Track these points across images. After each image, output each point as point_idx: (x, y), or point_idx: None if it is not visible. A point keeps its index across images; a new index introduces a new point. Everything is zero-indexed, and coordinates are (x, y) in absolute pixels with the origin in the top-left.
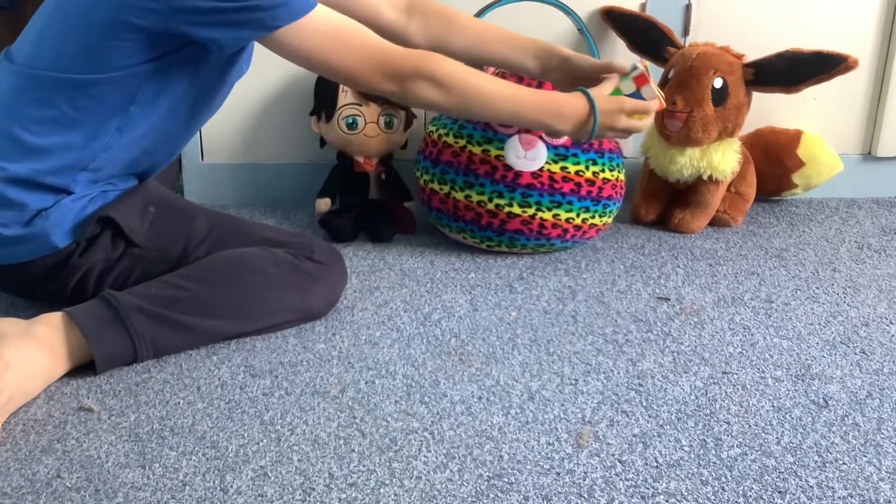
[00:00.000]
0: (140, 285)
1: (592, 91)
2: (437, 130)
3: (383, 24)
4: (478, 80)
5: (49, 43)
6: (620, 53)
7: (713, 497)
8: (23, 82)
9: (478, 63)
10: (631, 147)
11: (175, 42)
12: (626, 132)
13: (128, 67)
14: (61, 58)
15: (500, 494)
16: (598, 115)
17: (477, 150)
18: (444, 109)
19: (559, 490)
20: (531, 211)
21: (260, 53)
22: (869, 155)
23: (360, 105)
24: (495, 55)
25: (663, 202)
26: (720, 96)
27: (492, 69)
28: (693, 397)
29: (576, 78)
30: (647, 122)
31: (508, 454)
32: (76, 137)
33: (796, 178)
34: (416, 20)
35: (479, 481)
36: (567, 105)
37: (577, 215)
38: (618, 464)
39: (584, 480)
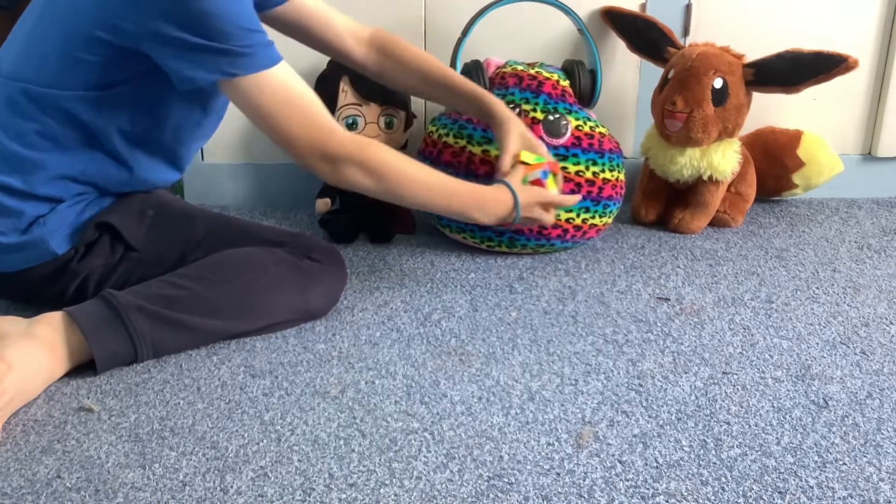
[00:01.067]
0: (140, 285)
1: (513, 182)
2: (437, 131)
3: (344, 51)
4: (411, 171)
5: (32, 55)
6: (621, 53)
7: (713, 497)
8: (8, 93)
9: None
10: (631, 147)
11: (141, 65)
12: (535, 222)
13: (100, 89)
14: (41, 72)
15: (500, 495)
16: (519, 211)
17: (477, 150)
18: (375, 195)
19: (559, 490)
20: None
21: None
22: (869, 155)
23: (361, 105)
24: (439, 99)
25: (663, 202)
26: (720, 96)
27: None
28: (693, 398)
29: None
30: (552, 216)
31: (508, 454)
32: (62, 152)
33: (796, 178)
34: (373, 55)
35: (479, 481)
36: (492, 199)
37: (577, 215)
38: (618, 464)
39: (584, 481)
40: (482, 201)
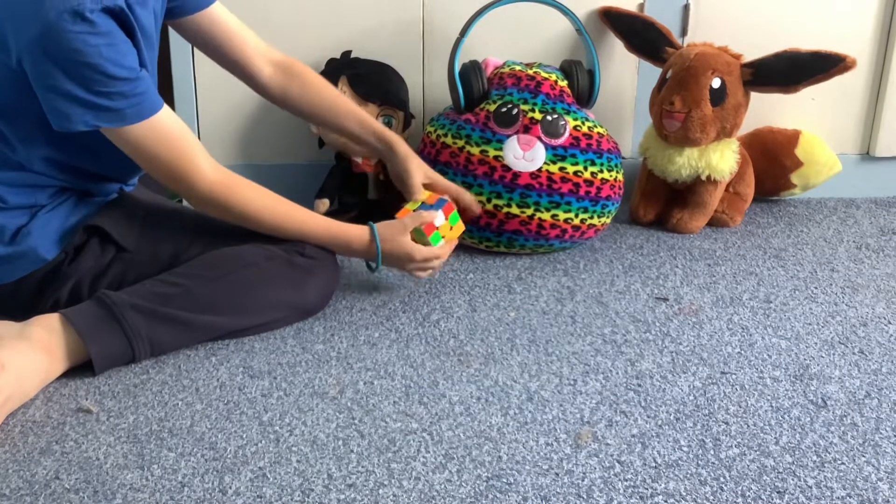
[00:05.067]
0: (134, 285)
1: (384, 226)
2: (435, 131)
3: (250, 71)
4: (272, 211)
5: None
6: (619, 53)
7: (712, 497)
8: None
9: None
10: (629, 147)
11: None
12: (419, 273)
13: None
14: None
15: (498, 495)
16: (380, 257)
17: (475, 150)
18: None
19: (558, 490)
20: (529, 211)
21: None
22: (867, 155)
23: (359, 106)
24: (340, 129)
25: (662, 202)
26: (718, 96)
27: None
28: (692, 397)
29: (396, 175)
30: (438, 264)
31: (507, 455)
32: (11, 158)
33: (794, 178)
34: (278, 79)
35: (477, 482)
36: (356, 240)
37: (576, 216)
38: (616, 464)
39: (583, 481)
40: (348, 241)
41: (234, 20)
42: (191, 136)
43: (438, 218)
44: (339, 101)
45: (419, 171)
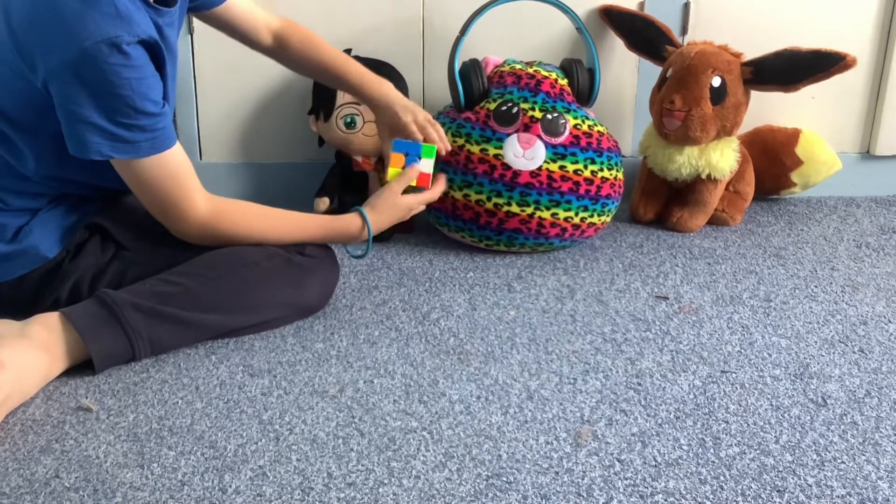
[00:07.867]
0: (134, 284)
1: (373, 203)
2: None
3: (259, 44)
4: (261, 228)
5: None
6: (619, 52)
7: (712, 496)
8: None
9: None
10: (629, 146)
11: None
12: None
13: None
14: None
15: (498, 493)
16: (370, 236)
17: (475, 149)
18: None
19: (558, 489)
20: (529, 210)
21: (256, 53)
22: (867, 153)
23: (359, 104)
24: (330, 85)
25: (662, 201)
26: (718, 95)
27: None
28: (692, 396)
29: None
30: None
31: (507, 453)
32: (18, 170)
33: (795, 176)
34: (278, 48)
35: (477, 480)
36: (352, 226)
37: (576, 214)
38: (616, 463)
39: (583, 479)
40: (344, 230)
41: (245, 5)
42: (192, 174)
43: (423, 165)
44: (325, 65)
45: (407, 112)
